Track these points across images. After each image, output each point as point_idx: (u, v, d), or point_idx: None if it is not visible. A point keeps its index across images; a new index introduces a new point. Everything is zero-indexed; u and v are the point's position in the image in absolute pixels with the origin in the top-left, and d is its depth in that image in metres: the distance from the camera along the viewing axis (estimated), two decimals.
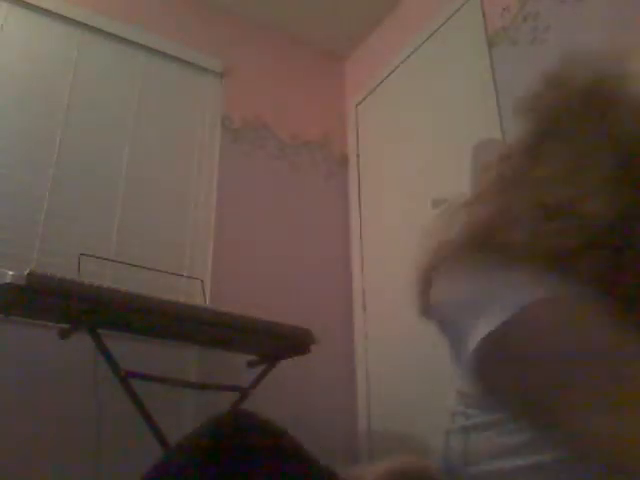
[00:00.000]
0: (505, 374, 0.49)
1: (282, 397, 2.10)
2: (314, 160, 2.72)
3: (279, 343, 1.82)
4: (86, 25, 2.32)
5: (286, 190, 2.58)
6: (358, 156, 2.76)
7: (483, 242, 0.55)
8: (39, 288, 1.39)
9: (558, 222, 0.52)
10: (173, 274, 2.08)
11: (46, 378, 1.77)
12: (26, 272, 1.36)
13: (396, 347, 2.19)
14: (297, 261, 2.46)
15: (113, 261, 1.99)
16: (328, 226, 2.63)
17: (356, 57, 3.01)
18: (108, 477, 1.71)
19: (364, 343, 2.40)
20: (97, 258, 1.89)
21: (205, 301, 2.09)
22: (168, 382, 1.71)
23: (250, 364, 1.93)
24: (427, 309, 0.59)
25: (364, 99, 2.82)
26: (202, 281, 2.12)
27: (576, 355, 0.46)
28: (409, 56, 2.53)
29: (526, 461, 0.52)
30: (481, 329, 0.47)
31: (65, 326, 1.58)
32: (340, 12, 2.75)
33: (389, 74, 2.65)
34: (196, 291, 2.11)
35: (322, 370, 2.23)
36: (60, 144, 2.10)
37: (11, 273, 1.36)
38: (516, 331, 0.47)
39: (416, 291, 0.61)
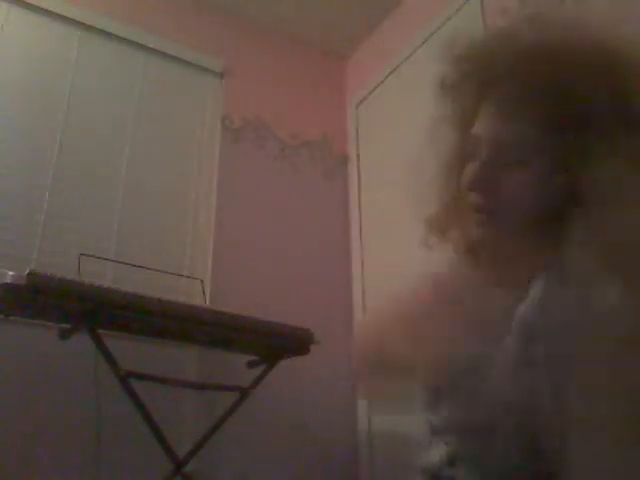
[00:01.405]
0: None
1: (282, 397, 2.10)
2: (314, 160, 2.72)
3: (279, 343, 1.82)
4: (86, 25, 2.31)
5: (286, 190, 2.58)
6: (358, 156, 2.76)
7: None
8: (39, 288, 1.39)
9: None
10: (173, 274, 2.08)
11: (46, 378, 1.77)
12: (26, 272, 1.36)
13: None
14: (297, 261, 2.46)
15: (113, 261, 1.99)
16: (328, 226, 2.63)
17: (356, 57, 3.01)
18: (108, 477, 1.71)
19: None
20: (97, 258, 1.89)
21: (205, 301, 2.09)
22: (168, 382, 1.71)
23: (250, 364, 1.93)
24: None
25: (364, 99, 2.81)
26: (202, 281, 2.12)
27: None
28: (409, 56, 2.53)
29: None
30: None
31: (65, 326, 1.58)
32: (340, 12, 2.74)
33: (389, 74, 2.65)
34: (196, 291, 2.11)
35: (322, 370, 2.23)
36: (60, 144, 2.10)
37: (11, 273, 1.36)
38: None
39: None
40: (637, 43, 0.62)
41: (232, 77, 2.62)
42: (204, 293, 2.09)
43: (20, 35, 2.19)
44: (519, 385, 0.59)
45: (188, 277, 2.15)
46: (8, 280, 1.36)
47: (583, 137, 0.60)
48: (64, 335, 1.58)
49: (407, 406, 0.83)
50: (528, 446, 0.58)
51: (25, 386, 1.74)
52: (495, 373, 0.62)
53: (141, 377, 1.54)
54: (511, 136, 0.64)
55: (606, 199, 0.58)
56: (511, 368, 0.61)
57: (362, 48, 2.96)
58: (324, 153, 2.77)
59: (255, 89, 2.69)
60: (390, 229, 2.40)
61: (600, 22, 0.66)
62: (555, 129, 0.62)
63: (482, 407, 0.62)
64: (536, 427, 0.58)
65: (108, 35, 2.36)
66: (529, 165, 0.64)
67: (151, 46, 2.44)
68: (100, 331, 1.52)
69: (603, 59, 0.61)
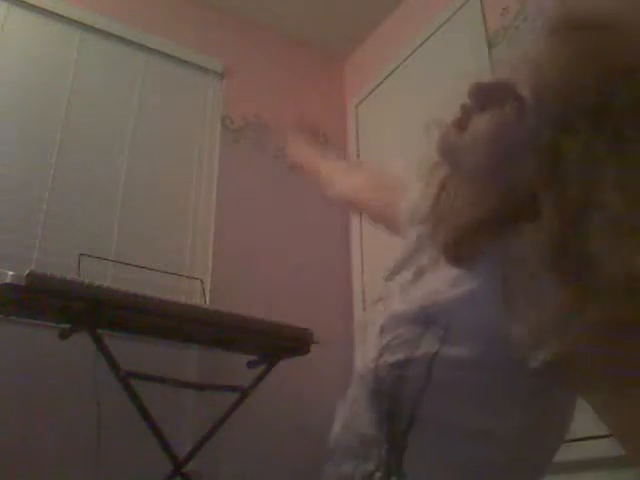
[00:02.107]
0: None
1: (282, 397, 2.10)
2: None
3: (279, 343, 1.82)
4: (86, 25, 2.31)
5: (286, 190, 2.58)
6: (358, 156, 2.76)
7: None
8: (39, 288, 1.39)
9: None
10: (173, 274, 2.08)
11: (46, 378, 1.77)
12: (26, 272, 1.36)
13: None
14: (297, 261, 2.46)
15: (113, 261, 1.99)
16: (328, 226, 2.63)
17: (356, 57, 3.01)
18: (108, 477, 1.71)
19: None
20: (97, 258, 1.89)
21: (205, 301, 2.09)
22: (168, 382, 1.71)
23: (250, 364, 1.93)
24: None
25: (364, 99, 2.81)
26: (202, 281, 2.12)
27: None
28: (409, 56, 2.53)
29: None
30: None
31: (65, 326, 1.58)
32: (340, 13, 2.75)
33: (389, 74, 2.65)
34: (196, 291, 2.11)
35: (322, 370, 2.22)
36: (60, 144, 2.10)
37: (11, 273, 1.37)
38: None
39: None
40: None
41: (232, 77, 2.62)
42: (204, 293, 2.09)
43: (20, 35, 2.19)
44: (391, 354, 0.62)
45: (188, 277, 2.15)
46: (8, 280, 1.36)
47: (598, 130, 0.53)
48: (64, 335, 1.58)
49: None
50: (387, 410, 0.61)
51: (25, 386, 1.74)
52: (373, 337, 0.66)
53: (141, 377, 1.54)
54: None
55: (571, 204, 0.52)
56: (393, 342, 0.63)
57: (362, 48, 2.96)
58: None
59: (255, 89, 2.68)
60: None
61: None
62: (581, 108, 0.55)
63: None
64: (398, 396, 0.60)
65: (108, 35, 2.36)
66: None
67: (151, 46, 2.44)
68: (100, 331, 1.52)
69: None
